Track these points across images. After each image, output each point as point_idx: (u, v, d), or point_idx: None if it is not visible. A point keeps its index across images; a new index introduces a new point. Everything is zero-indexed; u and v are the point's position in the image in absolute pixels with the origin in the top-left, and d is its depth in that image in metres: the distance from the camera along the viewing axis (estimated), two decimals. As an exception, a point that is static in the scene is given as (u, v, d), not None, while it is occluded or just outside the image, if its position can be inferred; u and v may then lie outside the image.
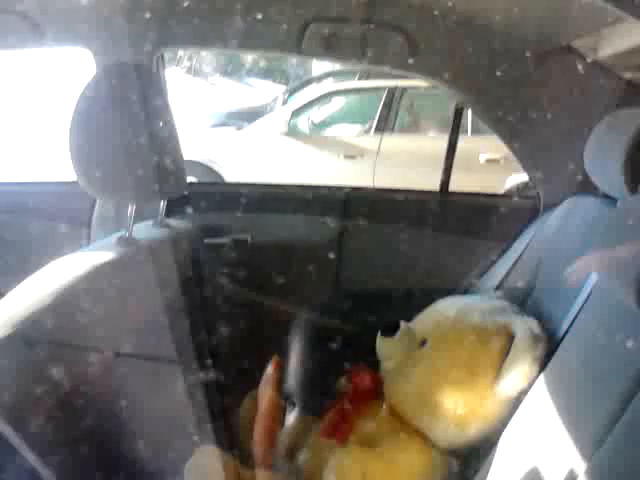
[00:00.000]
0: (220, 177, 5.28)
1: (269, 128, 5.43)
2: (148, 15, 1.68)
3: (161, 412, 1.28)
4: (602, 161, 1.34)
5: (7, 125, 6.04)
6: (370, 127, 5.41)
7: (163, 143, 1.45)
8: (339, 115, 5.79)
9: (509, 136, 1.76)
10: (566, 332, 1.17)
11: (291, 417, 1.55)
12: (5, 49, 1.89)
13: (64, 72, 5.16)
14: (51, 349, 1.02)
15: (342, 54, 1.76)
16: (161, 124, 1.47)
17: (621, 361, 0.92)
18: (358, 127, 5.62)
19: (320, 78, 6.98)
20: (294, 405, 1.57)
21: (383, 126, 5.31)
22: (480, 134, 4.59)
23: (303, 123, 5.58)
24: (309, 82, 7.12)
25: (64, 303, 1.10)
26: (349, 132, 5.54)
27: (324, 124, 5.72)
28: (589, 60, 1.56)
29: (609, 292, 1.10)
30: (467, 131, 4.87)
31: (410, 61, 1.68)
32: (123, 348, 1.21)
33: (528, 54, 1.63)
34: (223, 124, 6.39)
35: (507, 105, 1.71)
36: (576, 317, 1.15)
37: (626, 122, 1.27)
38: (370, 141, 5.29)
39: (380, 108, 5.33)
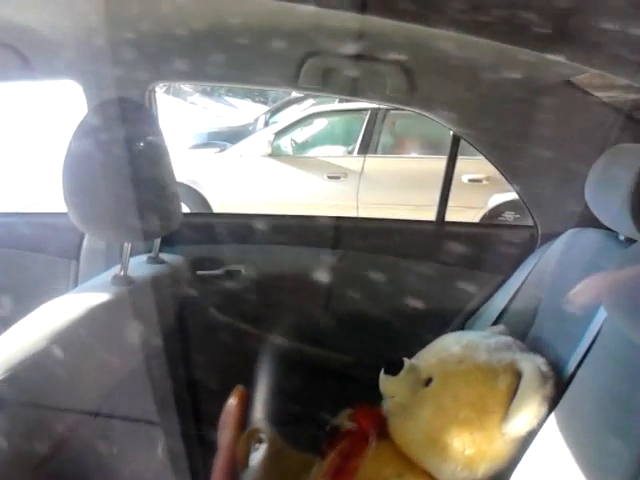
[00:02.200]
0: (203, 198, 5.25)
1: (252, 149, 5.43)
2: (140, 49, 1.66)
3: (144, 472, 1.24)
4: (605, 195, 1.34)
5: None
6: (353, 148, 5.43)
7: (158, 179, 1.42)
8: (322, 136, 5.80)
9: (507, 168, 1.76)
10: (575, 370, 1.16)
11: (258, 454, 1.46)
12: None
13: (55, 102, 5.12)
14: (24, 411, 0.96)
15: (339, 89, 1.75)
16: (156, 158, 1.44)
17: (637, 408, 0.91)
18: (341, 148, 5.64)
19: (301, 99, 7.00)
20: (261, 442, 1.49)
21: (366, 147, 5.33)
22: (463, 155, 4.63)
23: (286, 144, 5.59)
24: (290, 103, 7.15)
25: (48, 355, 1.04)
26: (332, 153, 5.55)
27: (307, 145, 5.74)
28: (588, 95, 1.57)
29: (619, 329, 1.09)
30: (450, 152, 4.91)
31: (408, 96, 1.68)
32: (107, 403, 1.16)
33: (527, 89, 1.63)
34: (204, 145, 6.38)
35: (505, 138, 1.71)
36: (586, 355, 1.14)
37: (630, 157, 1.28)
38: (353, 162, 5.31)
39: (363, 129, 5.36)
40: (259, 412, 1.56)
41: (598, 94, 1.57)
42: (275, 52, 1.63)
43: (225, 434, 1.37)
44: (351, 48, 1.57)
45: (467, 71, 1.65)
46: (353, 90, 1.71)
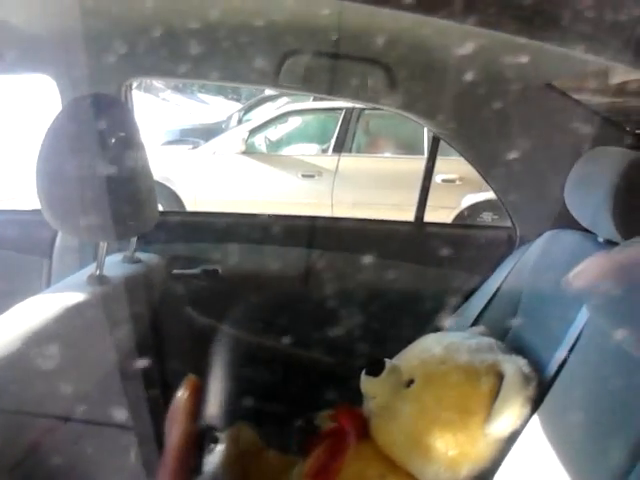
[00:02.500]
0: (176, 196, 5.21)
1: (226, 147, 5.39)
2: (116, 44, 1.62)
3: (117, 477, 1.21)
4: (584, 197, 1.35)
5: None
6: (328, 147, 5.42)
7: (135, 177, 1.40)
8: (296, 134, 5.80)
9: (486, 169, 1.77)
10: (557, 371, 1.17)
11: (215, 455, 1.38)
12: None
13: (27, 97, 5.02)
14: None
15: (320, 88, 1.74)
16: (132, 156, 1.41)
17: (623, 409, 0.92)
18: (315, 146, 5.63)
19: (275, 97, 6.97)
20: (216, 440, 1.40)
21: (341, 146, 5.34)
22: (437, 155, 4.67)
23: (260, 142, 5.57)
24: (264, 100, 7.12)
25: (22, 357, 1.01)
26: (306, 151, 5.54)
27: (281, 143, 5.72)
28: (568, 97, 1.58)
29: (602, 330, 1.09)
30: (424, 152, 4.93)
31: (387, 95, 1.67)
32: (81, 406, 1.13)
33: (508, 90, 1.64)
34: (177, 141, 6.33)
35: (484, 139, 1.72)
36: (568, 356, 1.15)
37: (610, 159, 1.29)
38: (328, 161, 5.31)
39: (337, 128, 5.36)
40: (237, 412, 1.54)
41: (576, 97, 1.58)
42: (255, 50, 1.62)
43: (174, 431, 1.29)
44: (332, 47, 1.56)
45: (447, 72, 1.65)
46: (334, 89, 1.70)
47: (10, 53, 1.65)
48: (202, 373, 1.54)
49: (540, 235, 1.58)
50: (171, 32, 1.62)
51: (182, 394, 1.36)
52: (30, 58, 1.69)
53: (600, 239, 1.36)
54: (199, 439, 1.38)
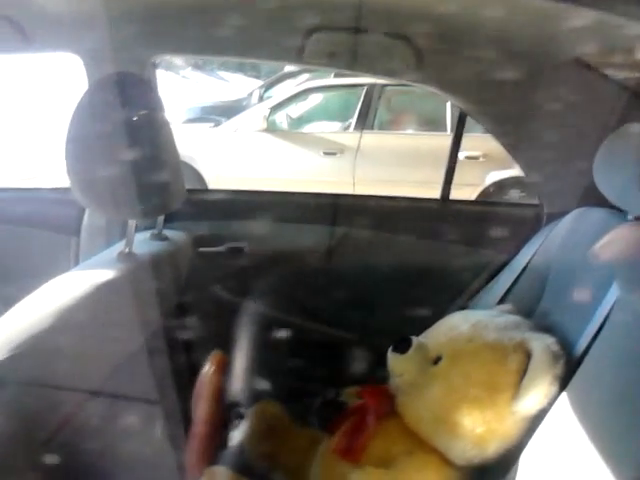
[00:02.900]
0: (198, 174, 5.22)
1: (248, 124, 5.38)
2: (141, 21, 1.62)
3: (144, 451, 1.23)
4: (614, 174, 1.33)
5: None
6: (350, 124, 5.39)
7: (161, 154, 1.41)
8: (317, 111, 5.76)
9: (513, 146, 1.74)
10: (586, 349, 1.16)
11: (240, 431, 1.38)
12: None
13: (55, 76, 5.04)
14: (27, 391, 0.96)
15: (345, 64, 1.72)
16: (158, 134, 1.42)
17: None
18: (336, 123, 5.60)
19: (296, 74, 6.93)
20: (242, 416, 1.41)
21: (363, 123, 5.30)
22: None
23: (281, 119, 5.55)
24: (285, 77, 7.08)
25: (53, 334, 1.03)
26: (328, 128, 5.52)
27: (302, 120, 5.70)
28: (597, 72, 1.55)
29: (632, 308, 1.08)
30: (447, 129, 4.89)
31: (414, 71, 1.65)
32: (109, 382, 1.14)
33: (536, 65, 1.61)
34: (198, 119, 6.32)
35: (511, 115, 1.69)
36: (597, 334, 1.14)
37: None
38: (350, 138, 5.28)
39: (359, 105, 5.32)
40: (264, 388, 1.55)
41: (607, 72, 1.54)
42: (280, 26, 1.60)
43: (200, 407, 1.30)
44: (357, 22, 1.54)
45: (474, 47, 1.63)
46: (359, 65, 1.68)
47: (35, 32, 1.66)
48: (228, 350, 1.56)
49: (568, 213, 1.57)
50: (195, 9, 1.61)
51: (208, 370, 1.37)
52: (57, 37, 1.70)
53: (630, 216, 1.34)
54: (225, 415, 1.40)
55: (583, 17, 1.19)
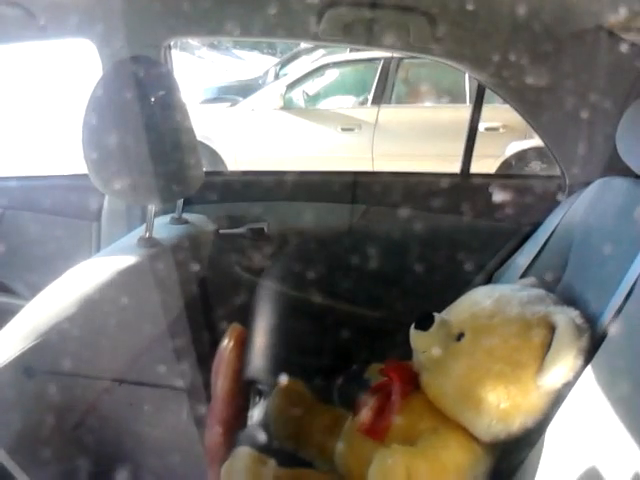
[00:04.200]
0: (216, 154, 5.22)
1: (264, 103, 5.36)
2: (154, 4, 1.61)
3: (170, 436, 1.24)
4: (638, 143, 1.31)
5: (12, 118, 5.91)
6: (366, 99, 5.35)
7: (179, 138, 1.40)
8: (333, 87, 5.72)
9: (534, 117, 1.72)
10: (611, 322, 1.14)
11: (259, 410, 1.37)
12: (3, 43, 1.81)
13: (70, 61, 5.05)
14: (53, 379, 0.97)
15: (361, 39, 1.69)
16: (175, 118, 1.42)
17: None
18: (353, 99, 5.56)
19: (311, 50, 6.87)
20: (262, 394, 1.40)
21: (380, 97, 5.25)
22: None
23: (298, 96, 5.51)
24: (300, 54, 7.02)
25: (77, 321, 1.04)
26: (345, 104, 5.48)
27: (319, 97, 5.66)
28: (620, 39, 1.51)
29: None
30: (466, 100, 4.82)
31: (431, 44, 1.62)
32: (133, 368, 1.15)
33: (556, 34, 1.57)
34: (215, 99, 6.31)
35: (531, 85, 1.66)
36: (622, 306, 1.13)
37: None
38: (367, 113, 5.24)
39: (376, 79, 5.27)
40: (285, 367, 1.55)
41: (630, 38, 1.50)
42: (293, 4, 1.58)
43: (219, 382, 1.29)
44: None
45: (493, 17, 1.59)
46: (375, 40, 1.65)
47: (47, 18, 1.65)
48: (250, 329, 1.56)
49: (590, 183, 1.54)
50: None
51: (227, 343, 1.37)
52: (70, 23, 1.69)
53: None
54: (245, 392, 1.40)
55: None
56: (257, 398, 1.43)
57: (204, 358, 1.34)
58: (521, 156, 4.89)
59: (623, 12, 1.28)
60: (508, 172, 4.86)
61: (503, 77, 1.70)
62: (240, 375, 1.37)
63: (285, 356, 1.59)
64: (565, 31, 1.58)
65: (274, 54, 11.32)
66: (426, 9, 1.60)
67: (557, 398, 1.16)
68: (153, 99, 1.32)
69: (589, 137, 1.63)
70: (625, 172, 1.38)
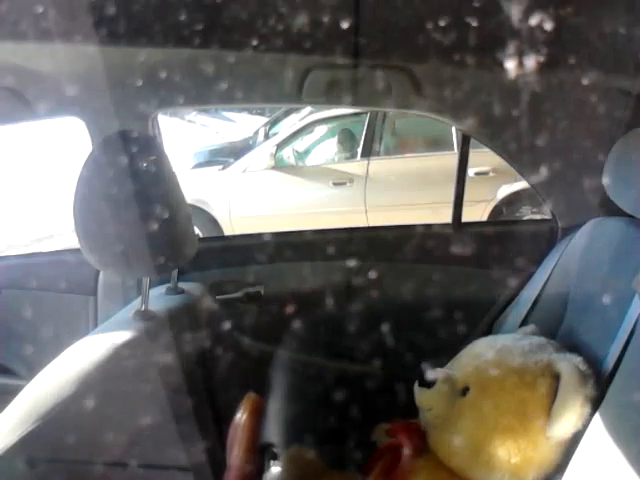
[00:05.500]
0: (211, 217, 5.24)
1: (255, 163, 5.42)
2: (140, 79, 1.64)
3: None
4: (625, 181, 1.32)
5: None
6: (356, 152, 5.41)
7: (170, 209, 1.40)
8: (323, 143, 5.79)
9: (520, 163, 1.73)
10: (615, 366, 1.13)
11: (274, 473, 1.33)
12: None
13: (58, 138, 5.13)
14: (55, 467, 0.95)
15: (343, 99, 1.73)
16: (166, 188, 1.42)
17: None
18: (343, 153, 5.62)
19: (299, 108, 6.97)
20: (275, 458, 1.36)
21: (369, 150, 5.31)
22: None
23: (288, 154, 5.58)
24: (289, 112, 7.12)
25: (77, 401, 1.03)
26: (334, 158, 5.54)
27: (309, 153, 5.72)
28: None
29: None
30: (454, 147, 4.89)
31: (413, 100, 1.65)
32: (136, 448, 1.13)
33: (535, 80, 1.60)
34: (207, 163, 6.38)
35: (516, 133, 1.68)
36: (625, 349, 1.11)
37: None
38: (357, 166, 5.29)
39: (364, 133, 5.34)
40: (294, 432, 1.52)
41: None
42: (276, 69, 1.61)
43: (235, 450, 1.27)
44: (352, 58, 1.55)
45: (474, 73, 1.62)
46: (358, 99, 1.68)
47: (37, 99, 1.68)
48: (261, 396, 1.53)
49: (582, 225, 1.55)
50: (192, 62, 1.63)
51: (243, 412, 1.34)
52: (59, 102, 1.72)
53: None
54: (259, 457, 1.37)
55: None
56: (271, 462, 1.38)
57: (209, 433, 1.32)
58: (513, 201, 4.91)
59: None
60: (499, 216, 4.88)
61: (487, 127, 1.73)
62: (256, 444, 1.33)
63: (293, 422, 1.56)
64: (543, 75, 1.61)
65: (263, 114, 11.48)
66: (406, 66, 1.63)
67: (568, 448, 1.14)
68: (143, 173, 1.33)
69: (578, 178, 1.64)
70: (617, 212, 1.39)
